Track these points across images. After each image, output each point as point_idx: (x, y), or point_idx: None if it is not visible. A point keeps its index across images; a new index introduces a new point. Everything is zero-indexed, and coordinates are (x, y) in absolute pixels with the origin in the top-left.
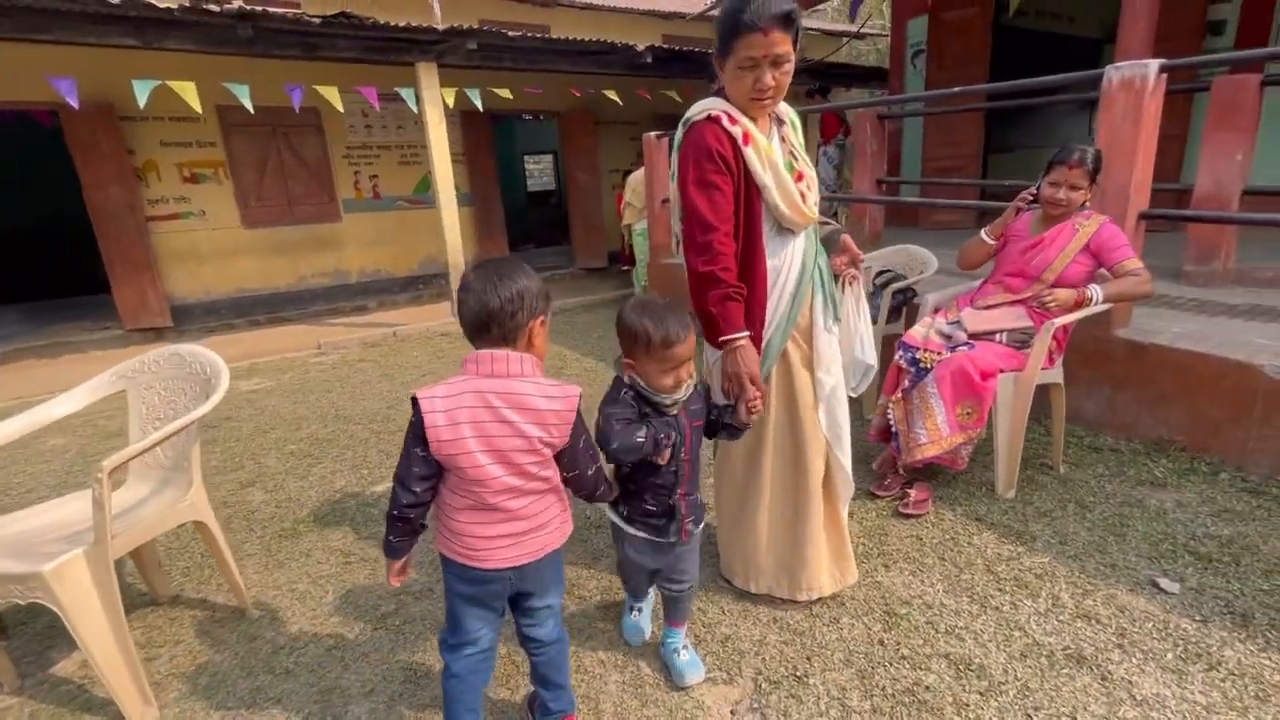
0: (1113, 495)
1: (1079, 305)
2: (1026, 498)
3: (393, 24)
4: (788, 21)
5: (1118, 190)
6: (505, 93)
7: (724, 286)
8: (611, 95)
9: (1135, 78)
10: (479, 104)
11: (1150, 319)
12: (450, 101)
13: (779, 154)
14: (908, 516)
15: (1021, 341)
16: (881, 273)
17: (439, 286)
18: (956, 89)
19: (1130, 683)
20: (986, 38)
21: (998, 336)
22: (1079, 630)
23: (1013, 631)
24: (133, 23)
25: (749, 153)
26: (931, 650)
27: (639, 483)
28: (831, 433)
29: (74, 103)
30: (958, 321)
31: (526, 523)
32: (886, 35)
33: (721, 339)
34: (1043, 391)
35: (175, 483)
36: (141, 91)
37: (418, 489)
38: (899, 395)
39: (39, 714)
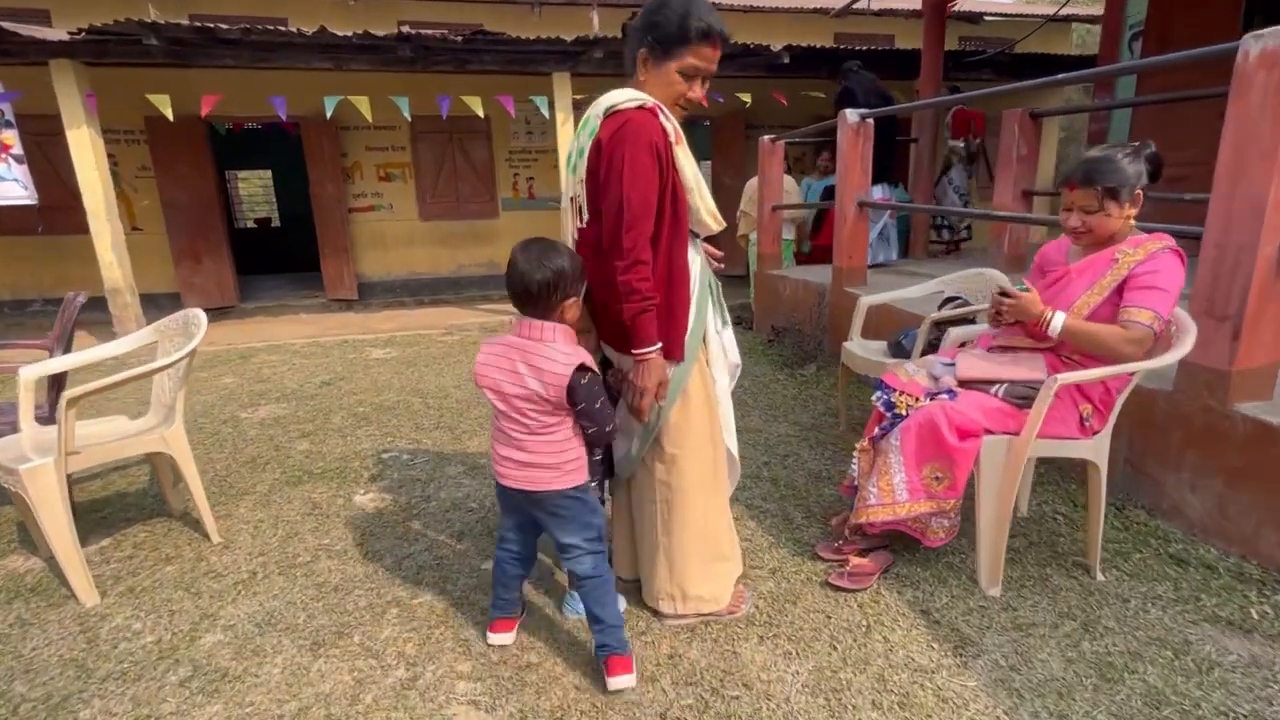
0: (1148, 627)
1: (1039, 330)
2: (1019, 601)
3: (527, 38)
4: (727, 43)
5: (1249, 210)
6: None
7: (643, 298)
8: (744, 97)
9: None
10: None
11: None
12: None
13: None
14: (836, 589)
15: (1026, 398)
16: (951, 299)
17: None
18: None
19: None
20: (1237, 3)
21: (995, 388)
22: None
23: None
24: (325, 49)
25: (679, 152)
26: None
27: None
28: (726, 429)
29: (283, 115)
30: (954, 363)
31: (529, 455)
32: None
33: (637, 351)
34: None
35: (168, 419)
36: (330, 105)
37: None
38: (868, 443)
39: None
